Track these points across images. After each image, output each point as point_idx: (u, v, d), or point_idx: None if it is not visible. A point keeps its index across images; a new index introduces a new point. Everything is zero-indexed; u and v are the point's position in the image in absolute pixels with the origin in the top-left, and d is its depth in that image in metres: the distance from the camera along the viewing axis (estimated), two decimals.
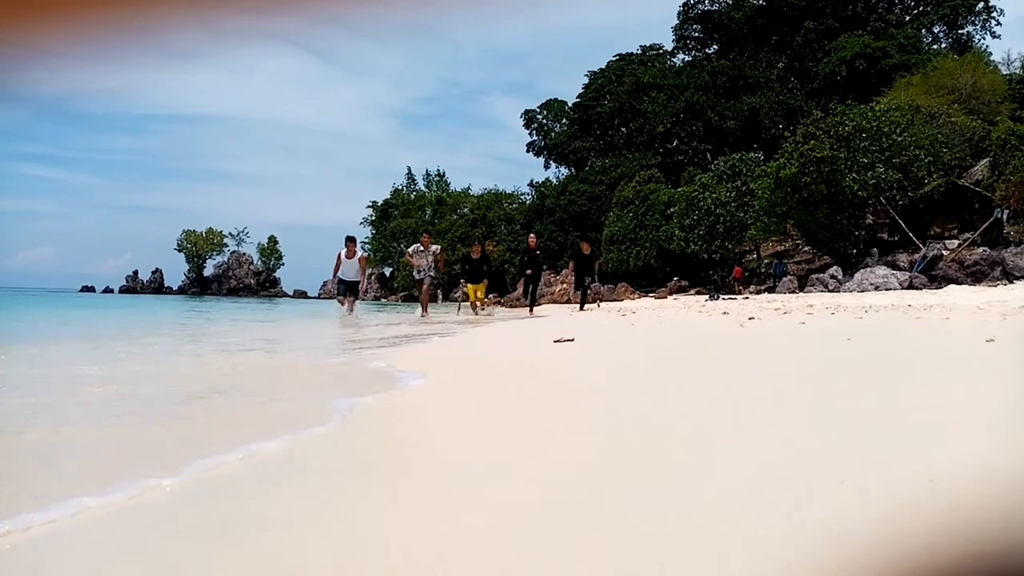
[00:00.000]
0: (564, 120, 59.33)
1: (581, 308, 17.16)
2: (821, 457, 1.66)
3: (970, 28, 47.34)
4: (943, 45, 46.79)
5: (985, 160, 26.02)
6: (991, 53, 42.30)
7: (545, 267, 19.48)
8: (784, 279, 26.48)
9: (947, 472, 1.46)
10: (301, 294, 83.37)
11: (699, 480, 1.56)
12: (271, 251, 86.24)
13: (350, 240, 15.55)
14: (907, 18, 48.92)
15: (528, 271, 18.18)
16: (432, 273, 16.16)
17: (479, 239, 18.10)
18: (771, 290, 25.75)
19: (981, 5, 46.56)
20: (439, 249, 16.71)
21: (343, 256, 15.08)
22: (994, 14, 46.77)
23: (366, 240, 71.72)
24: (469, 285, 17.11)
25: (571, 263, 18.21)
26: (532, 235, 19.15)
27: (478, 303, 17.19)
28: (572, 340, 5.48)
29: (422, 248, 16.21)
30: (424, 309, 15.56)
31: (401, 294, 61.05)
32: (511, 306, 29.64)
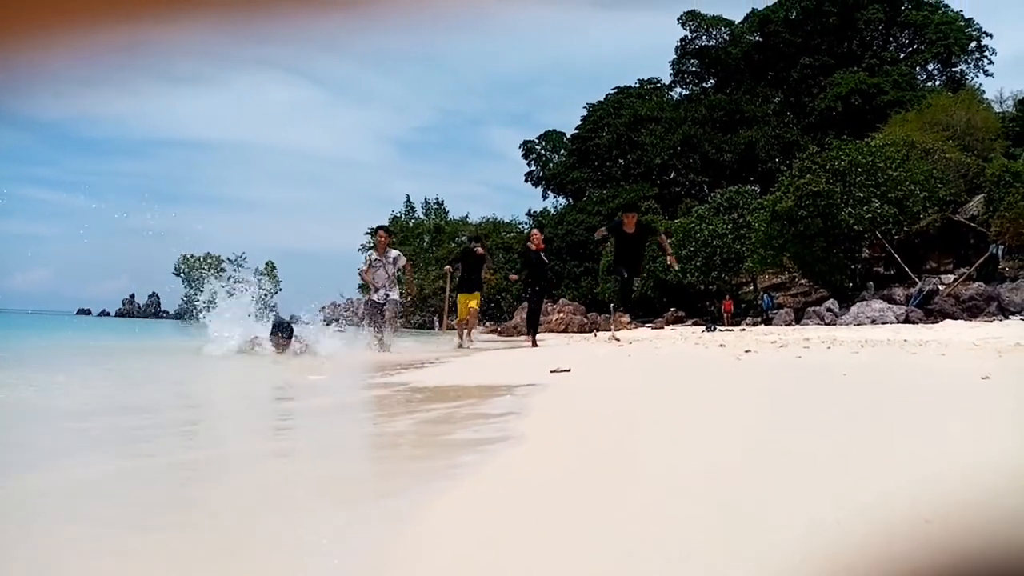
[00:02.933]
0: (562, 151, 59.85)
1: (615, 331, 12.03)
2: (817, 492, 1.66)
3: (963, 66, 48.13)
4: (937, 82, 47.51)
5: (980, 196, 26.29)
6: (984, 91, 43.00)
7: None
8: (780, 311, 26.56)
9: (942, 512, 1.47)
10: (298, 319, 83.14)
11: (697, 511, 1.57)
12: (268, 276, 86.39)
13: (288, 330, 9.72)
14: (902, 55, 49.72)
15: (530, 281, 13.11)
16: (394, 294, 11.55)
17: (479, 236, 13.57)
18: (767, 322, 25.81)
19: (973, 44, 47.34)
20: (404, 259, 11.76)
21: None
22: (987, 53, 47.57)
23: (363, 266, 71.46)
24: (461, 298, 13.08)
25: (612, 244, 11.66)
26: (535, 231, 13.34)
27: (467, 326, 13.15)
28: (568, 371, 5.48)
29: (376, 256, 11.51)
30: (380, 342, 11.22)
31: (398, 320, 60.82)
32: (508, 335, 29.11)
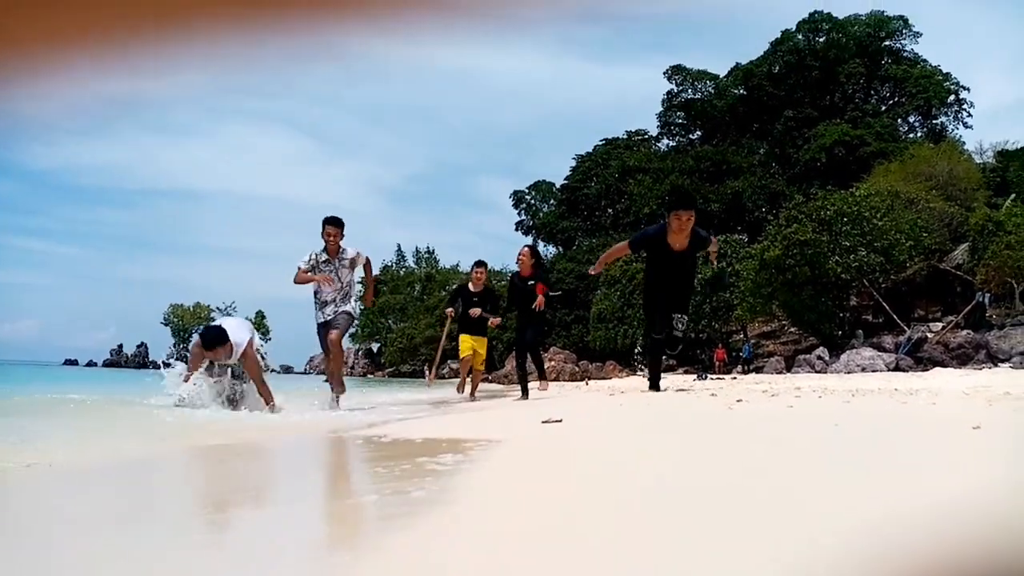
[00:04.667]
0: (552, 200, 60.48)
1: (654, 384, 8.40)
2: (815, 549, 1.64)
3: (943, 119, 49.28)
4: (919, 134, 48.61)
5: (964, 245, 26.65)
6: (964, 142, 44.02)
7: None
8: (771, 359, 26.61)
9: (939, 563, 1.45)
10: (287, 369, 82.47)
11: (687, 558, 1.54)
12: (258, 326, 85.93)
13: (213, 339, 7.40)
14: (883, 108, 50.91)
15: (519, 317, 9.82)
16: (347, 307, 8.52)
17: (483, 262, 10.77)
18: (757, 371, 25.80)
19: (952, 98, 48.55)
20: (365, 256, 8.61)
21: (200, 352, 7.54)
22: (965, 106, 48.76)
23: (357, 320, 71.33)
24: (464, 338, 10.45)
25: (645, 265, 8.06)
26: (525, 249, 10.01)
27: (471, 376, 10.77)
28: (560, 421, 5.44)
29: (326, 257, 8.27)
30: (336, 385, 8.40)
31: (388, 370, 60.64)
32: (499, 383, 28.92)
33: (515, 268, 10.25)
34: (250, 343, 7.58)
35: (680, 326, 7.73)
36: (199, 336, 7.58)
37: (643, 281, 7.90)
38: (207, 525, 2.39)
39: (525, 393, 9.97)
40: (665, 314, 7.63)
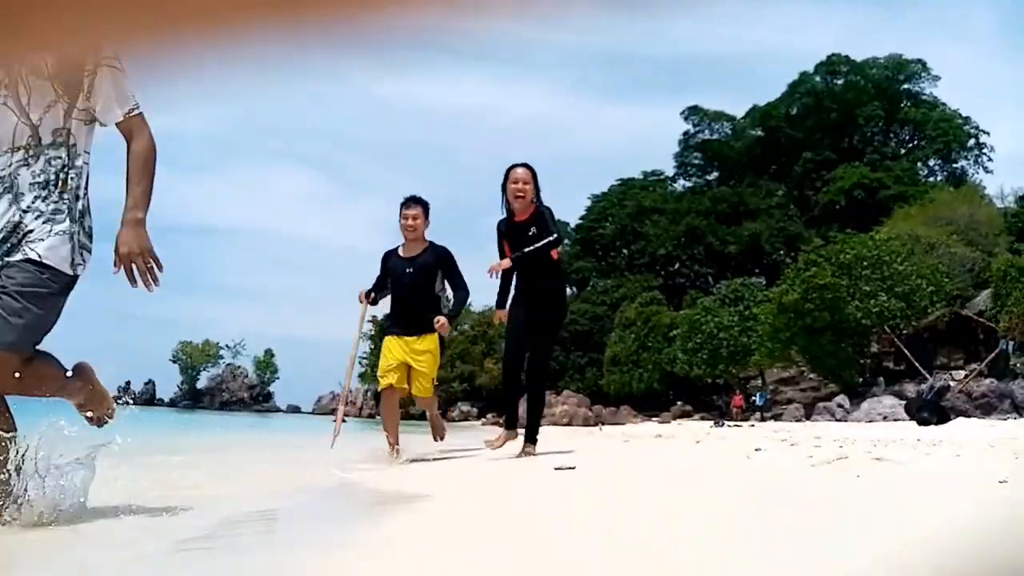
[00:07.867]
0: (566, 241, 60.44)
1: None
2: None
3: (964, 163, 49.04)
4: (939, 177, 48.39)
5: (987, 291, 26.23)
6: (985, 187, 43.65)
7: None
8: (789, 407, 26.18)
9: None
10: (294, 409, 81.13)
11: None
12: (267, 364, 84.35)
13: None
14: (903, 151, 50.77)
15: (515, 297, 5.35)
16: (33, 245, 2.29)
17: (418, 199, 5.47)
18: (775, 418, 25.35)
19: (972, 142, 48.34)
20: (126, 103, 2.27)
21: None
22: (985, 151, 48.51)
23: (364, 356, 70.43)
24: (390, 344, 5.75)
25: None
26: (520, 170, 5.28)
27: (392, 416, 5.89)
28: (573, 468, 5.26)
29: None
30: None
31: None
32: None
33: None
34: None
35: None
36: None
37: None
38: None
39: (510, 423, 5.65)
40: None
